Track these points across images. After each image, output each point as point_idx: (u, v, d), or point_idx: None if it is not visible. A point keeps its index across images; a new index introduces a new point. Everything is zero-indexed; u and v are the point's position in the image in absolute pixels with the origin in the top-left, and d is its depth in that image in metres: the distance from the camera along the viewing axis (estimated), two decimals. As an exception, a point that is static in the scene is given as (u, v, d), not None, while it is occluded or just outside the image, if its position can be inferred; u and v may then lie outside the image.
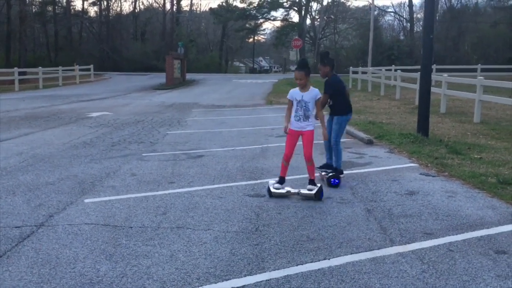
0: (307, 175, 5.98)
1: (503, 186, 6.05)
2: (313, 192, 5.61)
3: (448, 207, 5.32)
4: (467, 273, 3.67)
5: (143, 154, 8.35)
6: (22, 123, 12.32)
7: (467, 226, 4.71)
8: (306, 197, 5.64)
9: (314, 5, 63.37)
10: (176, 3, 59.69)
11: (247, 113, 15.52)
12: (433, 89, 14.96)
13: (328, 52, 6.69)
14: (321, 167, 6.76)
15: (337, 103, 6.56)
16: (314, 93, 5.80)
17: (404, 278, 3.58)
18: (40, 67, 29.08)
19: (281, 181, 5.87)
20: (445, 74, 15.98)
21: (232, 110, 16.40)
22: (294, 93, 5.86)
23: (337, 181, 6.21)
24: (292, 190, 5.75)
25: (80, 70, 33.91)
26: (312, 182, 5.82)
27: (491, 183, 6.19)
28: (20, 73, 26.98)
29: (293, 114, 5.90)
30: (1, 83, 26.37)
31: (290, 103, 5.92)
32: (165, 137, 10.35)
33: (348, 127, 11.29)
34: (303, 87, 5.79)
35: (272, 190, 5.75)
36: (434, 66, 28.39)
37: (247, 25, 63.88)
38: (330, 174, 6.33)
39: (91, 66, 36.07)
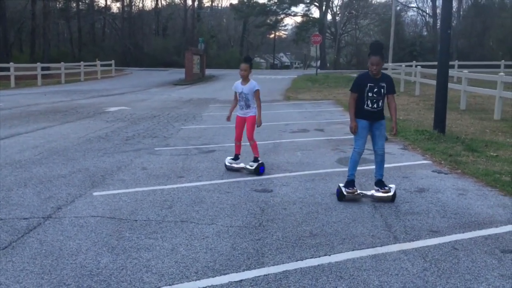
0: (315, 171, 5.94)
1: (517, 185, 5.90)
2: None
3: (457, 205, 5.22)
4: (470, 272, 3.59)
5: (156, 148, 8.42)
6: (41, 117, 12.54)
7: (475, 225, 4.61)
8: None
9: (336, 0, 62.89)
10: (197, -1, 59.92)
11: (264, 108, 15.36)
12: (453, 86, 14.73)
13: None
14: (352, 186, 5.43)
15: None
16: (251, 85, 6.77)
17: (404, 276, 3.52)
18: (62, 63, 29.57)
19: (236, 157, 6.89)
20: (466, 70, 15.66)
21: (249, 106, 16.37)
22: (237, 86, 6.91)
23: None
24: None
25: (102, 65, 34.34)
26: (256, 159, 6.74)
27: (504, 181, 6.05)
28: (43, 68, 27.51)
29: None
30: (25, 78, 26.90)
31: (236, 94, 7.01)
32: (179, 132, 10.41)
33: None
34: (245, 79, 6.74)
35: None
36: (456, 62, 27.92)
37: (267, 20, 63.67)
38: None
39: (112, 62, 36.51)
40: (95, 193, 5.64)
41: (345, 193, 5.32)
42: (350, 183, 5.42)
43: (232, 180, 6.29)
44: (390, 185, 5.49)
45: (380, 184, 5.45)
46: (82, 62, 32.22)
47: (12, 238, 4.19)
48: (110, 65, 36.20)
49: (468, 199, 5.45)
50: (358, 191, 5.43)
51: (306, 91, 22.23)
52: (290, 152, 8.17)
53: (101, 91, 22.34)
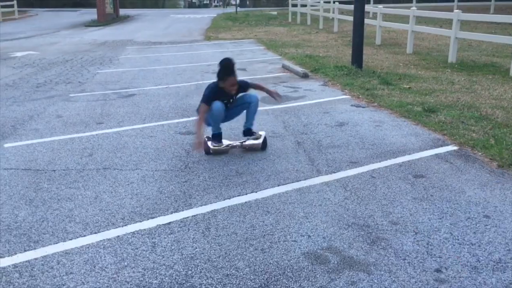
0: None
1: (427, 114, 6.28)
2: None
3: (374, 136, 5.48)
4: (386, 197, 3.84)
5: (71, 95, 7.96)
6: None
7: (390, 154, 4.89)
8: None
9: None
10: None
11: (184, 49, 15.04)
12: (369, 21, 15.09)
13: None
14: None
15: None
16: None
17: (327, 206, 3.69)
18: (-45, 4, 26.53)
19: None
20: (381, 6, 16.04)
21: (169, 47, 15.83)
22: None
23: None
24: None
25: (2, 7, 31.25)
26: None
27: (416, 112, 6.41)
28: None
29: None
30: None
31: None
32: (95, 76, 9.88)
33: (285, 62, 11.26)
34: None
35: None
36: (372, -2, 28.41)
37: (183, -44, 60.69)
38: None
39: (15, 2, 33.31)
40: (6, 145, 5.27)
41: (211, 146, 4.90)
42: (216, 137, 4.98)
43: (155, 124, 6.14)
44: (260, 132, 5.14)
45: (249, 133, 5.11)
46: (-22, 3, 29.11)
47: None
48: (12, 6, 33.03)
49: (384, 130, 5.74)
50: (226, 144, 4.98)
51: (227, 30, 21.81)
52: (213, 93, 8.05)
53: (4, 35, 20.48)
